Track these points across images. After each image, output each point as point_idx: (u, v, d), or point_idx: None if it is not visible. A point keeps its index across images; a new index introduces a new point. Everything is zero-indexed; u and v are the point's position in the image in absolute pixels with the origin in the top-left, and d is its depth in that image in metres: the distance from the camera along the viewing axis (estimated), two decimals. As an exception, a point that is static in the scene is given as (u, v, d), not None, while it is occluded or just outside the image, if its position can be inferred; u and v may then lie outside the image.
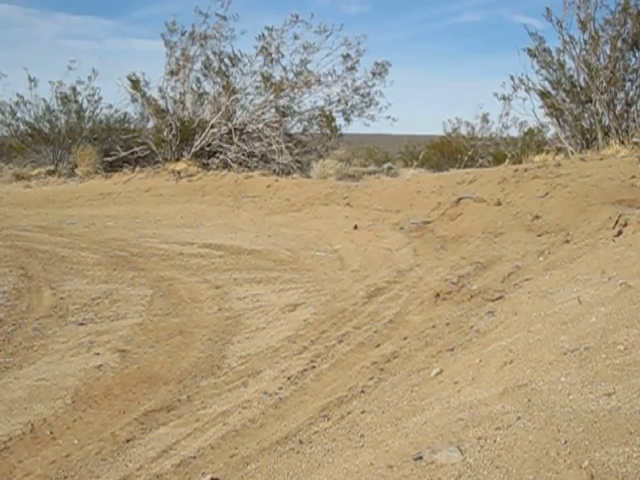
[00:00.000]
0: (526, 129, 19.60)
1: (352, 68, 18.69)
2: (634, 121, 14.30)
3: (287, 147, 17.80)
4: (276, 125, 18.62)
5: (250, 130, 18.53)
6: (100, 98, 21.29)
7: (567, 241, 7.79)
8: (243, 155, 18.02)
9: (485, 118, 21.83)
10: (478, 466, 2.40)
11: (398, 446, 2.97)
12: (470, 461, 2.45)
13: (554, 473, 2.23)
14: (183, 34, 18.97)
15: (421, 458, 2.61)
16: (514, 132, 20.32)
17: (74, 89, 20.99)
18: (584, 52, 14.81)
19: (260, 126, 18.39)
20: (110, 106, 21.34)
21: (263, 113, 19.01)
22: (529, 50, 15.62)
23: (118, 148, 19.80)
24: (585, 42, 14.77)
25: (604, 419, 2.50)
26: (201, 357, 5.63)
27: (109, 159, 19.59)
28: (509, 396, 2.99)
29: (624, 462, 2.21)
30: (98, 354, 5.67)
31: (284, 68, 18.80)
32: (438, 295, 6.70)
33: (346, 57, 18.46)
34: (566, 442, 2.39)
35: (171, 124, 18.64)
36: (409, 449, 2.80)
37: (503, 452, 2.45)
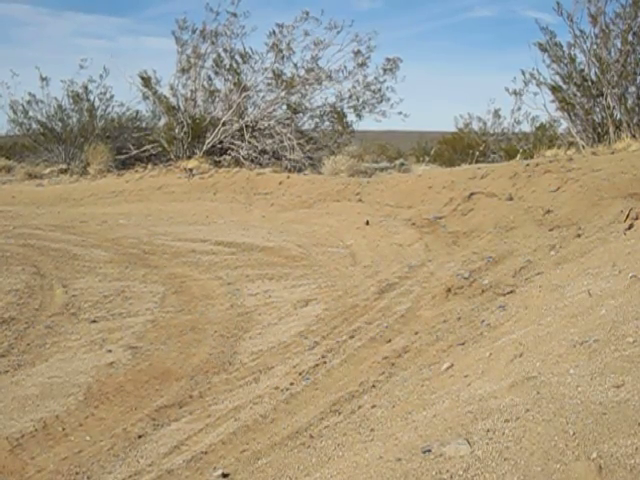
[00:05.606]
0: (538, 124, 19.52)
1: (363, 64, 18.59)
2: (645, 115, 14.26)
3: (298, 144, 17.74)
4: (287, 122, 18.59)
5: (261, 127, 18.51)
6: (112, 96, 21.26)
7: (578, 235, 7.78)
8: (255, 152, 18.00)
9: (497, 113, 21.74)
10: (486, 458, 2.40)
11: (407, 439, 2.97)
12: (478, 453, 2.45)
13: (562, 464, 2.23)
14: (194, 32, 18.95)
15: (430, 451, 2.61)
16: (526, 127, 20.24)
17: (86, 87, 21.00)
18: (595, 46, 14.77)
19: (271, 123, 18.37)
20: (122, 104, 21.33)
21: (274, 110, 19.00)
22: (540, 44, 15.54)
23: (130, 146, 19.83)
24: (596, 36, 14.74)
25: (613, 411, 2.50)
26: (213, 353, 5.65)
27: (121, 157, 19.62)
28: (518, 389, 2.99)
29: (632, 453, 2.21)
30: (110, 351, 5.70)
31: (295, 65, 18.78)
32: (449, 290, 6.70)
33: (357, 53, 18.38)
34: (574, 434, 2.39)
35: (182, 122, 18.63)
36: (418, 442, 2.81)
37: (512, 444, 2.45)
